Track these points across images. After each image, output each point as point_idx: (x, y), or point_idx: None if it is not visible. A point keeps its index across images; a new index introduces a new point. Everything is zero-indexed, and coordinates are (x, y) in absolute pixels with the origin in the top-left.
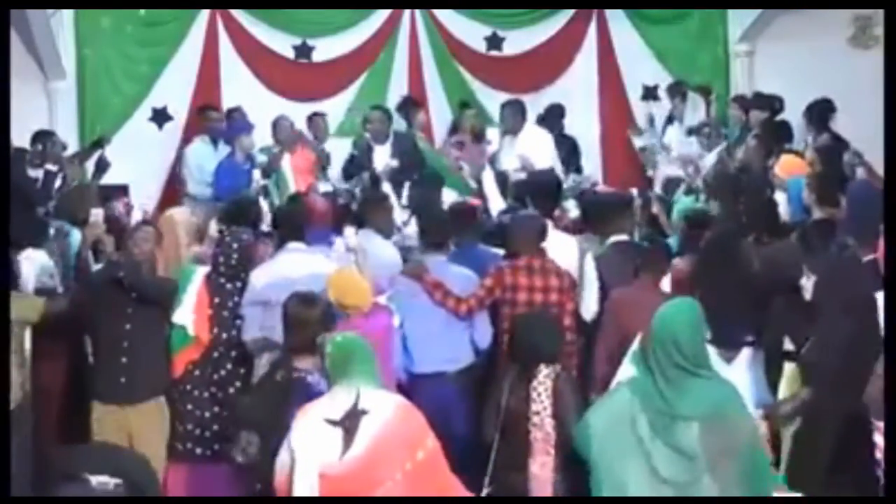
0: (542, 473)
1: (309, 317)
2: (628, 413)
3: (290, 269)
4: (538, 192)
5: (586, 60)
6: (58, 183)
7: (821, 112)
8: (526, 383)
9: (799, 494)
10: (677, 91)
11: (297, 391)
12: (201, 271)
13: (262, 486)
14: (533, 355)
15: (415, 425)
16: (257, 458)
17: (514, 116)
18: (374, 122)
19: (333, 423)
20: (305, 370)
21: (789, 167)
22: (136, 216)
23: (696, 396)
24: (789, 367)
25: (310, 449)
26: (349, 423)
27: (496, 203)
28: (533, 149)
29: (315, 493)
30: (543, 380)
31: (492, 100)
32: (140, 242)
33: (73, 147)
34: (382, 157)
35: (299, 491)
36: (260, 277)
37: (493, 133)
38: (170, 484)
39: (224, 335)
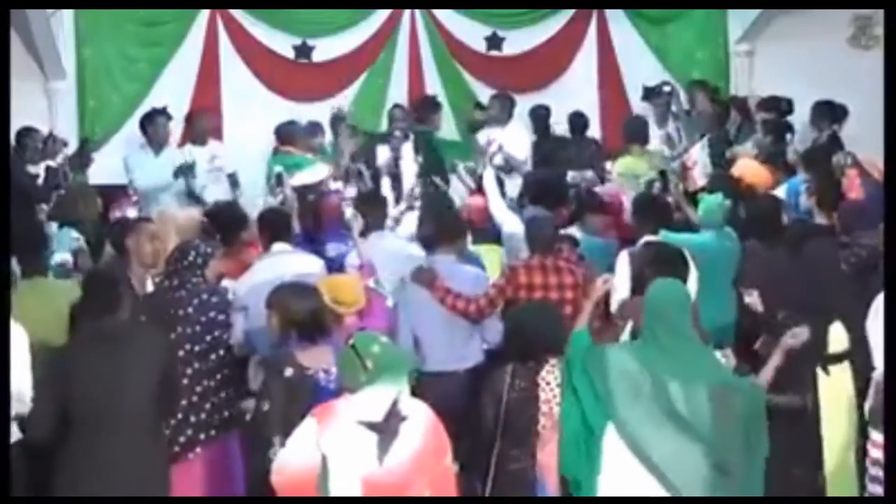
0: (550, 461)
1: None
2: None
3: (272, 272)
4: (541, 191)
5: (586, 60)
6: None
7: (834, 115)
8: (533, 374)
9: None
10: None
11: (308, 390)
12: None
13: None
14: (541, 346)
15: (442, 433)
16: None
17: (500, 109)
18: (398, 120)
19: (370, 425)
20: (313, 368)
21: (752, 174)
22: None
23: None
24: None
25: (347, 452)
26: (388, 427)
27: (496, 203)
28: (512, 146)
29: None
30: (551, 369)
31: None
32: (143, 242)
33: (73, 146)
34: (383, 154)
35: (336, 494)
36: (242, 284)
37: (495, 133)
38: None
39: None
